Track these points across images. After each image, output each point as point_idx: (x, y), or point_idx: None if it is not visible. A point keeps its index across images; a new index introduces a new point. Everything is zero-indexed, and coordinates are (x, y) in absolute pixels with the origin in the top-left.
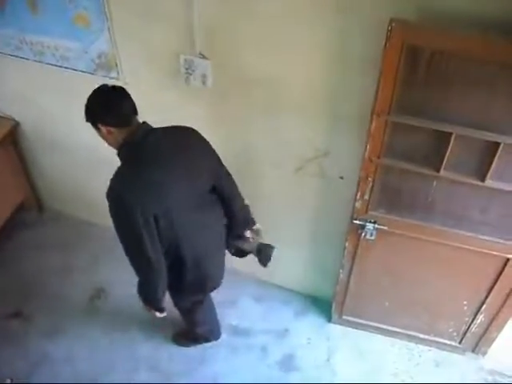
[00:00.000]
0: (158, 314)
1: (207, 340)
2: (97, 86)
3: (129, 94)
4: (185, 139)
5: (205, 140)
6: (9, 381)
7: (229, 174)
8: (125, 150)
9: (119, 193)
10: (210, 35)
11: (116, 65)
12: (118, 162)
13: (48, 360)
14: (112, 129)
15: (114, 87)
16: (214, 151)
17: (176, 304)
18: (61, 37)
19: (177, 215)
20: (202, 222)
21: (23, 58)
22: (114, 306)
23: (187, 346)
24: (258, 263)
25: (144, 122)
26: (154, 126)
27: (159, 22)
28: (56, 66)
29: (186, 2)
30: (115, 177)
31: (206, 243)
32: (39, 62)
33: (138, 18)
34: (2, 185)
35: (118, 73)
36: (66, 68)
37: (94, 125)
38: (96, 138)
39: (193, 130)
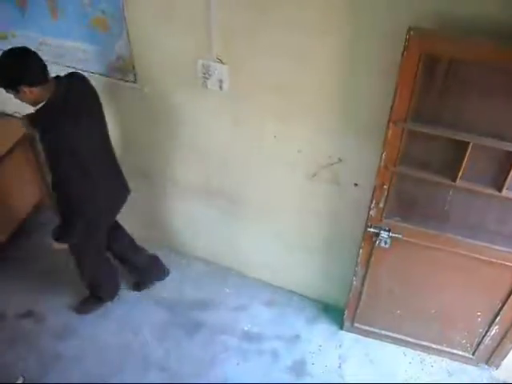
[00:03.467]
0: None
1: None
2: (4, 51)
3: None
4: (88, 89)
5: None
6: (21, 378)
7: None
8: (51, 105)
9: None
10: (226, 40)
11: (133, 67)
12: (132, 163)
13: (59, 359)
14: (35, 88)
15: (20, 48)
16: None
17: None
18: (80, 40)
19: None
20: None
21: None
22: (126, 308)
23: (89, 310)
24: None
25: (58, 76)
26: (174, 127)
27: (177, 26)
28: (75, 68)
29: (203, 7)
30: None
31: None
32: (58, 64)
33: (156, 22)
34: (19, 186)
35: (134, 76)
36: (84, 70)
37: (14, 88)
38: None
39: (85, 77)
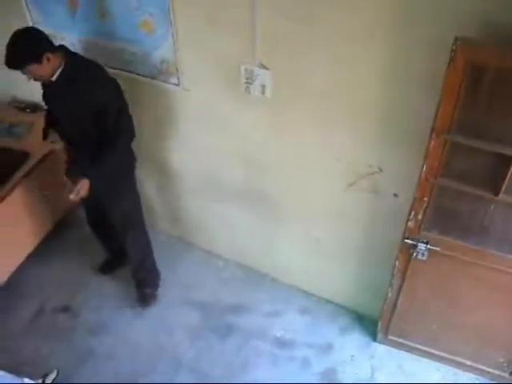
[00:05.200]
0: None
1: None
2: (14, 33)
3: None
4: None
5: None
6: (55, 372)
7: None
8: (70, 65)
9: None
10: (270, 45)
11: (177, 70)
12: (168, 162)
13: (92, 356)
14: (54, 55)
15: (25, 27)
16: None
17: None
18: (126, 42)
19: None
20: None
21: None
22: (160, 308)
23: (152, 301)
24: None
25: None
26: (213, 133)
27: (222, 31)
28: (119, 69)
29: (249, 13)
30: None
31: None
32: (106, 65)
33: (201, 26)
34: (58, 186)
35: (178, 79)
36: (129, 72)
37: (39, 58)
38: (150, 136)
39: None
